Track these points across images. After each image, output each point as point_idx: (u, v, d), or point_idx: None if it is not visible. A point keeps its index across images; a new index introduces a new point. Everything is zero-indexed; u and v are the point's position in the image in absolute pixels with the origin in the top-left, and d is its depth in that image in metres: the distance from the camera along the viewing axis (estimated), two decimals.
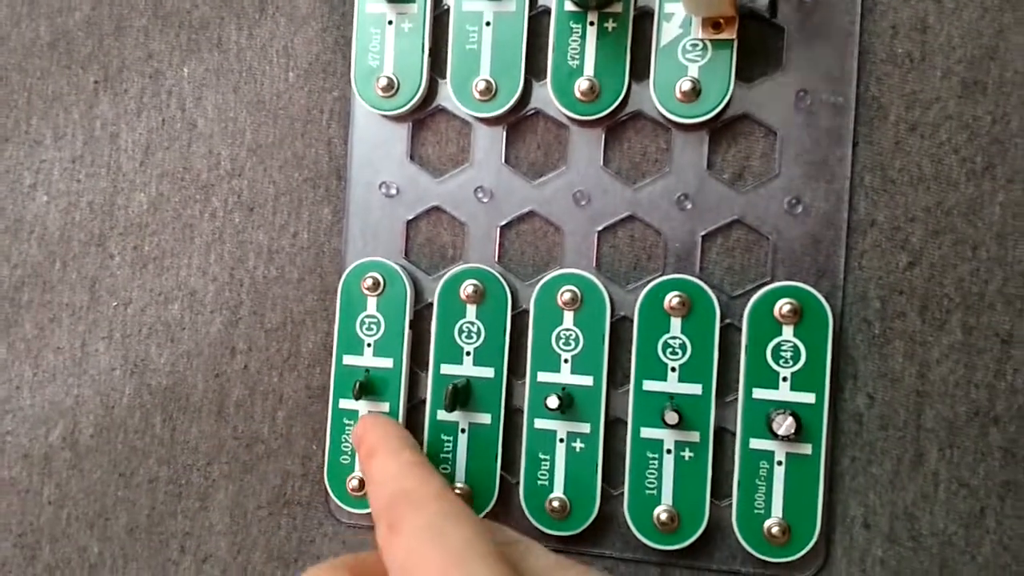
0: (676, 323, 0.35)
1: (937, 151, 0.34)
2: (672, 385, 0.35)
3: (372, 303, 0.37)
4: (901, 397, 0.34)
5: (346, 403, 0.37)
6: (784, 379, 0.34)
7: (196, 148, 0.40)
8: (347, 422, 0.37)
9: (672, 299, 0.34)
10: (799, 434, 0.33)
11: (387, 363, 0.37)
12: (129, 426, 0.40)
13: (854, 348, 0.35)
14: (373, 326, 0.37)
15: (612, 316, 0.36)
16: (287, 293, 0.39)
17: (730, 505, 0.34)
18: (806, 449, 0.34)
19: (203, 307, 0.39)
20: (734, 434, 0.34)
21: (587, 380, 0.35)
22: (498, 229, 0.37)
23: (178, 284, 0.40)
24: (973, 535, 0.34)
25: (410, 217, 0.38)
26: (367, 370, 0.37)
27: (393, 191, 0.38)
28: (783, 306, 0.34)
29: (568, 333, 0.36)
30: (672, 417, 0.33)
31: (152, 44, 0.41)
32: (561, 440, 0.36)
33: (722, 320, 0.35)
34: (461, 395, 0.36)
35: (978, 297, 0.34)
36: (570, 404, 0.35)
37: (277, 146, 0.39)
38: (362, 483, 0.36)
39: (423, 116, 0.38)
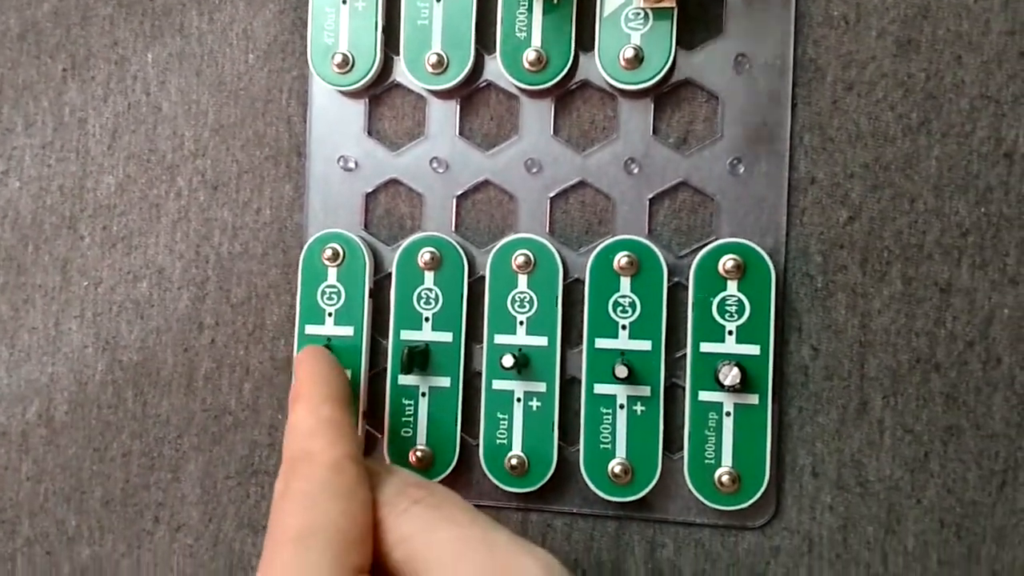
0: (626, 282, 0.36)
1: (874, 109, 0.35)
2: (623, 342, 0.36)
3: (332, 273, 0.38)
4: (844, 348, 0.35)
5: None
6: (730, 332, 0.35)
7: (161, 130, 0.41)
8: None
9: (621, 259, 0.36)
10: (744, 384, 0.34)
11: (348, 331, 0.38)
12: (102, 402, 0.41)
13: (798, 302, 0.36)
14: (334, 296, 0.38)
15: (565, 279, 0.37)
16: (251, 268, 0.40)
17: (682, 458, 0.35)
18: (753, 399, 0.35)
19: (171, 284, 0.41)
20: (684, 387, 0.35)
21: (542, 341, 0.36)
22: (454, 199, 0.39)
23: (146, 263, 0.41)
24: (918, 479, 0.35)
25: (369, 190, 0.39)
26: (329, 339, 0.38)
27: (352, 165, 0.39)
28: (727, 262, 0.35)
29: (523, 296, 0.37)
30: (622, 371, 0.34)
31: (117, 32, 0.42)
32: (518, 400, 0.37)
33: (670, 278, 0.36)
34: (419, 359, 0.37)
35: (917, 248, 0.35)
36: (526, 364, 0.36)
37: (239, 126, 0.40)
38: None
39: (379, 92, 0.39)
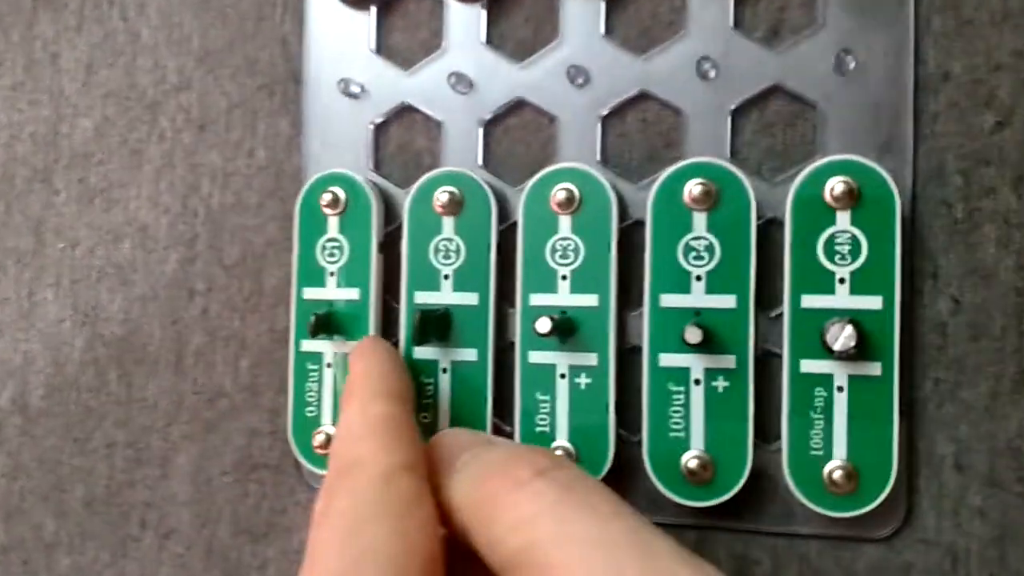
0: (700, 219, 0.27)
1: None
2: (698, 298, 0.27)
3: (334, 224, 0.31)
4: (996, 298, 0.26)
5: (308, 344, 0.31)
6: (841, 280, 0.26)
7: (141, 62, 0.34)
8: (311, 367, 0.31)
9: (693, 188, 0.27)
10: (862, 350, 0.25)
11: (352, 294, 0.30)
12: (82, 384, 0.35)
13: (932, 238, 0.27)
14: (336, 251, 0.31)
15: (621, 220, 0.29)
16: (246, 222, 0.33)
17: (780, 448, 0.27)
18: (874, 369, 0.26)
19: (156, 244, 0.34)
20: (780, 356, 0.27)
21: (591, 300, 0.28)
22: (481, 125, 0.31)
23: (127, 219, 0.34)
24: None
25: (378, 120, 0.32)
26: (331, 303, 0.31)
27: (357, 90, 0.32)
28: (835, 186, 0.26)
29: (566, 243, 0.29)
30: (694, 334, 0.26)
31: None
32: (562, 376, 0.29)
33: (760, 213, 0.27)
34: (436, 326, 0.29)
35: None
36: (571, 331, 0.28)
37: (227, 51, 0.33)
38: (330, 439, 0.30)
39: None
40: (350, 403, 0.25)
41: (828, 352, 0.25)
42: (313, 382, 0.31)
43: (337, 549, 0.21)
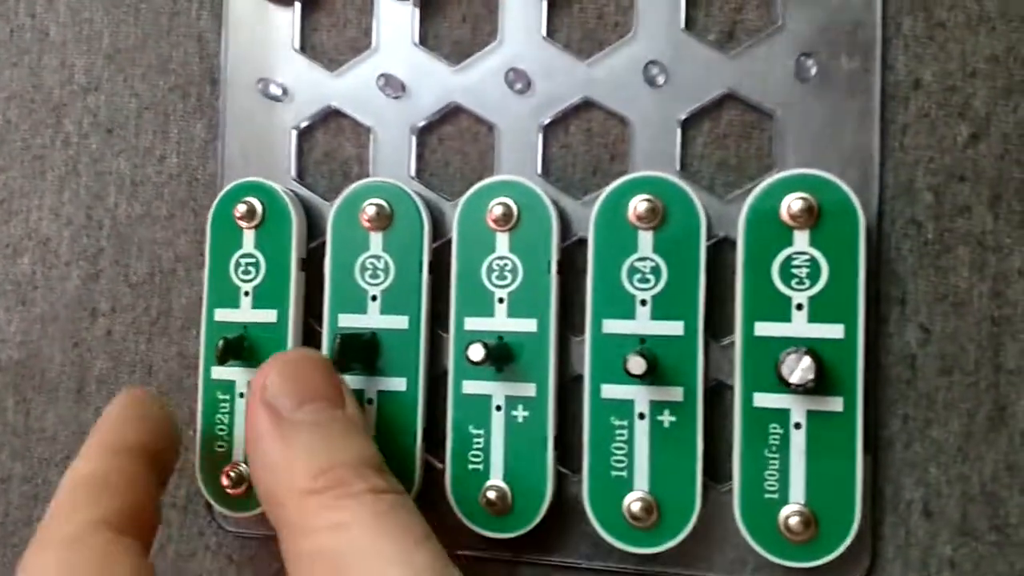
0: (646, 238, 0.25)
1: None
2: (643, 324, 0.25)
3: (249, 238, 0.28)
4: (969, 327, 0.24)
5: (219, 372, 0.28)
6: (799, 306, 0.24)
7: (47, 61, 0.32)
8: (222, 396, 0.28)
9: (638, 205, 0.25)
10: (822, 382, 0.23)
11: (269, 316, 0.28)
12: None
13: (899, 261, 0.24)
14: (251, 268, 0.28)
15: (563, 238, 0.26)
16: (155, 236, 0.30)
17: (731, 490, 0.24)
18: (835, 405, 0.23)
19: (57, 259, 0.31)
20: (732, 388, 0.24)
21: (530, 325, 0.26)
22: (413, 132, 0.28)
23: (28, 232, 0.31)
24: None
25: (302, 125, 0.29)
26: (245, 327, 0.28)
27: (278, 92, 0.29)
28: (792, 203, 0.24)
29: (503, 263, 0.26)
30: (637, 364, 0.23)
31: None
32: (498, 407, 0.26)
33: (711, 232, 0.25)
34: (359, 351, 0.26)
35: None
36: (507, 358, 0.26)
37: (139, 49, 0.31)
38: (240, 478, 0.27)
39: None
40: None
41: (784, 385, 0.23)
42: (224, 413, 0.28)
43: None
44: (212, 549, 0.29)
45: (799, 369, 0.23)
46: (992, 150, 0.24)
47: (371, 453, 0.23)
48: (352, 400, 0.24)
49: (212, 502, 0.28)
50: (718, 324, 0.25)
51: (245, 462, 0.27)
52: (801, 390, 0.23)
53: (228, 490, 0.27)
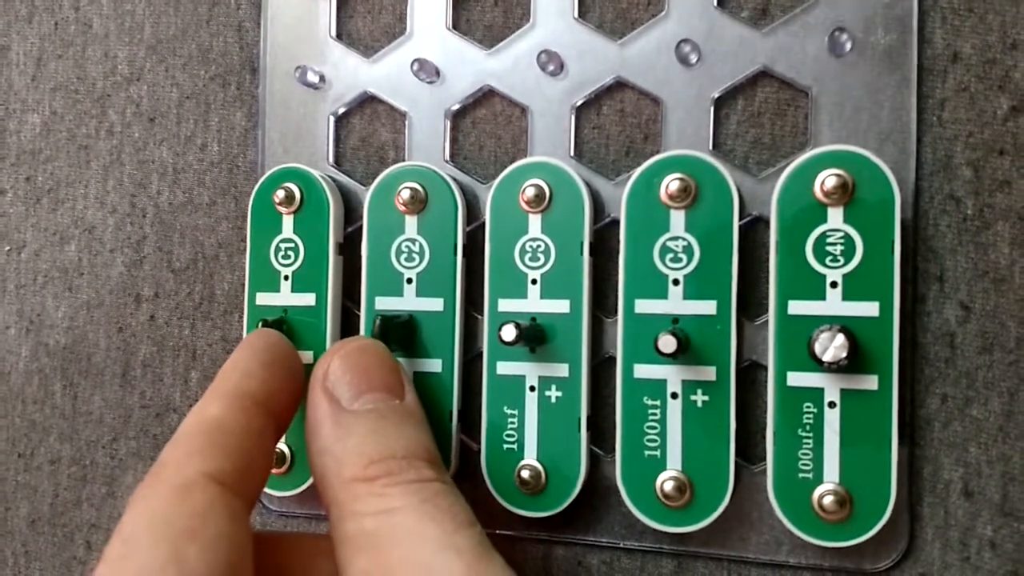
0: (678, 218, 0.25)
1: None
2: (675, 304, 0.25)
3: (288, 223, 0.28)
4: (1011, 304, 0.23)
5: None
6: (833, 284, 0.24)
7: (91, 53, 0.32)
8: None
9: (671, 184, 0.25)
10: (856, 361, 0.23)
11: (308, 299, 0.28)
12: (27, 395, 0.32)
13: (938, 238, 0.24)
14: (290, 253, 0.28)
15: (595, 219, 0.26)
16: (196, 222, 0.31)
17: (764, 470, 0.24)
18: (869, 383, 0.23)
19: (102, 246, 0.32)
20: (766, 368, 0.24)
21: (562, 306, 0.26)
22: (447, 117, 0.28)
23: (74, 220, 0.32)
24: None
25: (339, 111, 0.29)
26: (285, 310, 0.28)
27: (315, 79, 0.29)
28: (826, 179, 0.23)
29: (535, 244, 0.26)
30: (668, 343, 0.23)
31: None
32: (532, 388, 0.26)
33: (745, 210, 0.25)
34: (396, 333, 0.27)
35: None
36: (540, 339, 0.26)
37: (179, 39, 0.31)
38: (283, 458, 0.28)
39: None
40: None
41: (817, 364, 0.23)
42: None
43: (106, 573, 0.19)
44: (254, 525, 0.30)
45: (832, 347, 0.22)
46: None
47: (424, 445, 0.23)
48: (411, 390, 0.24)
49: None
50: (752, 303, 0.25)
51: (286, 443, 0.28)
52: (834, 368, 0.23)
53: (272, 470, 0.28)
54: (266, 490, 0.28)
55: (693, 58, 0.26)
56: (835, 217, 0.24)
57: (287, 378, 0.24)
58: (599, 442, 0.26)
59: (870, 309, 0.23)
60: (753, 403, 0.25)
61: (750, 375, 0.25)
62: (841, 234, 0.23)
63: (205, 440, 0.21)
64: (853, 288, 0.23)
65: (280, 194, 0.28)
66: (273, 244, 0.28)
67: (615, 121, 0.27)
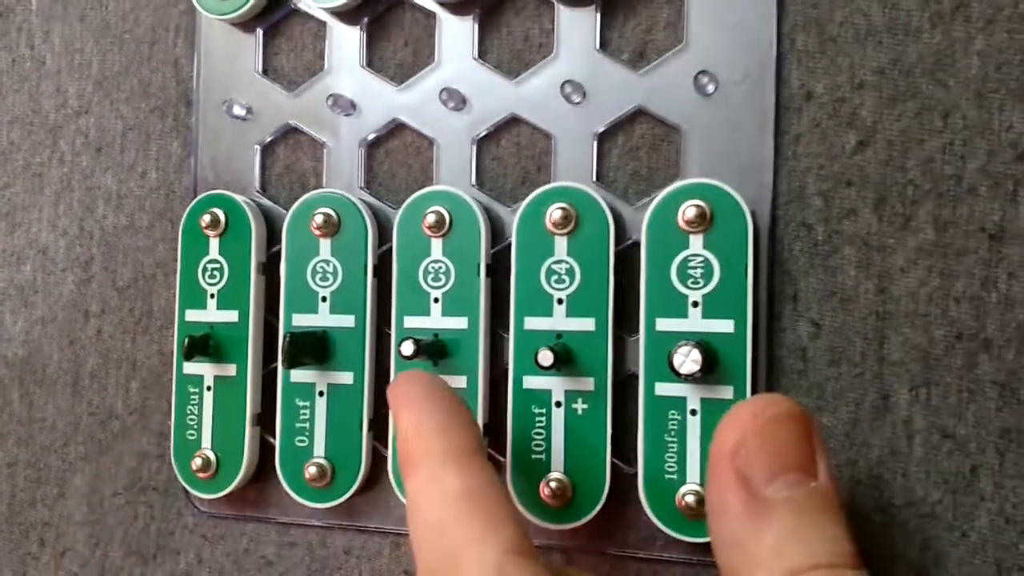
0: (561, 243, 0.27)
1: None
2: (559, 321, 0.27)
3: (214, 245, 0.31)
4: (857, 322, 0.26)
5: (189, 367, 0.31)
6: (695, 303, 0.26)
7: (44, 87, 0.35)
8: (192, 390, 0.31)
9: (553, 212, 0.27)
10: (711, 372, 0.25)
11: (232, 316, 0.31)
12: None
13: (791, 261, 0.26)
14: (216, 273, 0.31)
15: (495, 243, 0.29)
16: (138, 244, 0.33)
17: (636, 472, 0.26)
18: (726, 392, 0.26)
19: (54, 266, 0.34)
20: (638, 377, 0.27)
21: (461, 323, 0.28)
22: (363, 147, 0.31)
23: (29, 242, 0.35)
24: (963, 504, 0.25)
25: (266, 141, 0.32)
26: (211, 326, 0.31)
27: (241, 112, 0.32)
28: (687, 209, 0.26)
29: (438, 266, 0.29)
30: (546, 357, 0.26)
31: None
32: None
33: (623, 236, 0.27)
34: (307, 349, 0.29)
35: (954, 181, 0.25)
36: (441, 353, 0.28)
37: (123, 75, 0.34)
38: (207, 463, 0.30)
39: (275, 20, 0.32)
40: (416, 473, 0.22)
41: (676, 375, 0.25)
42: (194, 405, 0.31)
43: None
44: (189, 528, 0.32)
45: (688, 361, 0.25)
46: (877, 156, 0.26)
47: (847, 548, 0.20)
48: (824, 464, 0.21)
49: (186, 485, 0.31)
50: (631, 320, 0.27)
51: (212, 448, 0.30)
52: (690, 380, 0.25)
53: (198, 474, 0.30)
54: (195, 493, 0.31)
55: (576, 97, 0.28)
56: (696, 243, 0.26)
57: (465, 414, 0.24)
58: (498, 449, 0.28)
59: (726, 326, 0.26)
60: (633, 411, 0.27)
61: (629, 386, 0.27)
62: (701, 259, 0.26)
63: (480, 515, 0.21)
64: (712, 307, 0.26)
65: (207, 218, 0.31)
66: (201, 264, 0.31)
67: (512, 153, 0.29)
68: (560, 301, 0.27)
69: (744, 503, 0.20)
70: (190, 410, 0.31)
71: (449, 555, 0.20)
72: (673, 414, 0.26)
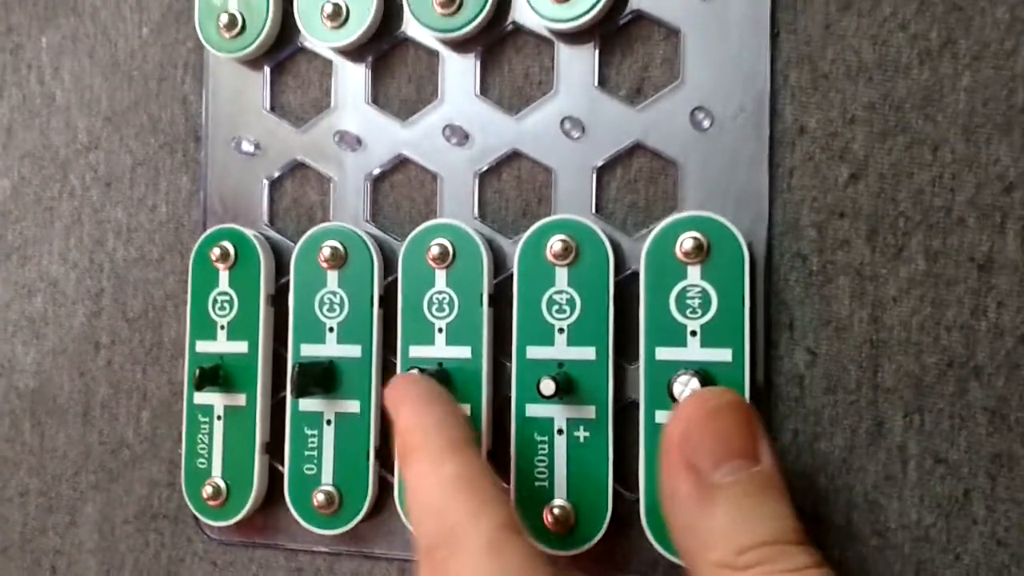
0: (562, 274, 0.28)
1: (879, 31, 0.26)
2: (560, 350, 0.28)
3: (224, 278, 0.32)
4: (851, 350, 0.26)
5: (200, 397, 0.32)
6: (693, 333, 0.27)
7: (55, 123, 0.36)
8: (202, 419, 0.32)
9: (554, 244, 0.28)
10: None
11: (241, 347, 0.31)
12: (0, 434, 0.36)
13: (787, 291, 0.27)
14: (226, 305, 0.32)
15: (497, 274, 0.29)
16: (147, 276, 0.34)
17: (639, 498, 0.27)
18: None
19: (65, 298, 0.35)
20: (639, 406, 0.27)
21: (464, 352, 0.29)
22: (368, 181, 0.32)
23: (40, 274, 0.35)
24: (956, 527, 0.25)
25: (274, 175, 0.33)
26: (221, 356, 0.31)
27: (250, 148, 0.33)
28: (684, 241, 0.26)
29: (442, 297, 0.29)
30: (548, 386, 0.27)
31: (12, 17, 0.37)
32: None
33: (622, 266, 0.28)
34: (314, 378, 0.30)
35: (943, 212, 0.26)
36: (446, 382, 0.29)
37: (132, 111, 0.35)
38: (218, 491, 0.31)
39: (281, 58, 0.33)
40: (414, 463, 0.24)
41: (675, 403, 0.26)
42: (204, 434, 0.32)
43: None
44: (199, 555, 0.33)
45: (687, 389, 0.26)
46: (869, 189, 0.27)
47: (791, 525, 0.22)
48: (767, 450, 0.23)
49: (196, 512, 0.32)
50: (632, 349, 0.28)
51: (222, 477, 0.31)
52: None
53: (208, 502, 0.31)
54: (205, 520, 0.31)
55: (575, 133, 0.29)
56: (694, 274, 0.27)
57: (457, 410, 0.26)
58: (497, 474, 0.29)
59: (724, 355, 0.26)
60: (634, 438, 0.28)
61: (630, 414, 0.28)
62: (699, 289, 0.27)
63: (475, 496, 0.22)
64: (709, 336, 0.26)
65: (216, 251, 0.31)
66: (211, 297, 0.32)
67: (513, 186, 0.30)
68: (561, 331, 0.28)
69: (693, 489, 0.22)
70: (200, 439, 0.32)
71: (447, 532, 0.22)
72: None
